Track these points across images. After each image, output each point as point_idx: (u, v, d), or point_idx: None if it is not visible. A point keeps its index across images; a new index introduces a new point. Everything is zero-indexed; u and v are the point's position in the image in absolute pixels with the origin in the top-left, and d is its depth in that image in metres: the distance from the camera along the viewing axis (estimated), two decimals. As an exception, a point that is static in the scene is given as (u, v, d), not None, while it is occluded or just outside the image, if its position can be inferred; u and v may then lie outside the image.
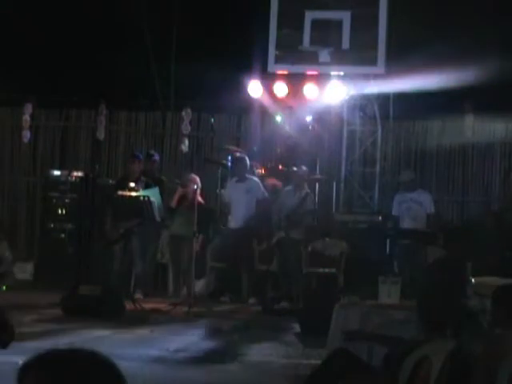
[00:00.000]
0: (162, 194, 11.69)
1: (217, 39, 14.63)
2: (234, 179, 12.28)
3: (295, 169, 12.15)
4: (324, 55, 12.19)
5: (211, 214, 12.27)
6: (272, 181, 12.70)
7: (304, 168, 12.13)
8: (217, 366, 8.14)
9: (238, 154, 12.47)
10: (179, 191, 11.64)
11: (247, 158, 12.26)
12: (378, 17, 12.11)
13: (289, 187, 12.05)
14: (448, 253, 11.67)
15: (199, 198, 11.65)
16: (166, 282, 12.64)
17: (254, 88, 12.82)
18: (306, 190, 11.82)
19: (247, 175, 12.20)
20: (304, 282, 11.75)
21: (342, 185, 13.49)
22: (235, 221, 12.01)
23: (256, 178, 12.30)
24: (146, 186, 11.66)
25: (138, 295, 11.56)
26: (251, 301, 11.86)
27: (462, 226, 13.09)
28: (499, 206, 13.44)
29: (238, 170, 12.19)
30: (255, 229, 12.07)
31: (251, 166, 12.70)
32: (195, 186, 11.57)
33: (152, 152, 13.15)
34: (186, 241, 11.42)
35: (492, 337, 4.36)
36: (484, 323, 5.47)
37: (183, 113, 14.55)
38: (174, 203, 11.70)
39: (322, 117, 13.25)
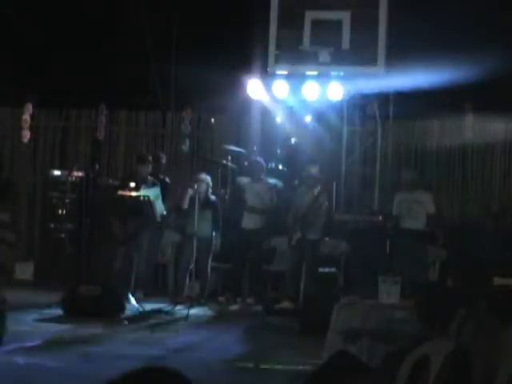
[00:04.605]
0: (164, 194, 11.73)
1: (216, 39, 14.61)
2: (249, 180, 12.31)
3: (307, 170, 12.09)
4: (324, 55, 12.19)
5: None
6: (272, 181, 12.69)
7: (314, 167, 12.05)
8: (217, 366, 8.14)
9: (254, 157, 12.54)
10: (189, 191, 11.60)
11: (263, 161, 12.34)
12: (378, 17, 12.12)
13: (302, 188, 12.03)
14: (448, 252, 11.72)
15: (212, 197, 11.75)
16: (166, 281, 12.64)
17: (254, 88, 12.82)
18: (320, 188, 11.79)
19: (262, 177, 12.27)
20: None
21: (342, 185, 13.49)
22: (247, 221, 12.05)
23: (270, 180, 12.36)
24: (153, 186, 11.68)
25: (138, 295, 11.55)
26: (249, 300, 11.86)
27: (461, 226, 13.09)
28: (499, 206, 13.44)
29: (254, 172, 12.24)
30: (267, 229, 12.15)
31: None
32: (205, 186, 11.65)
33: (159, 153, 13.20)
34: (203, 241, 11.37)
35: (492, 337, 4.36)
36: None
37: (183, 113, 14.55)
38: (184, 204, 11.65)
39: (321, 117, 13.25)
